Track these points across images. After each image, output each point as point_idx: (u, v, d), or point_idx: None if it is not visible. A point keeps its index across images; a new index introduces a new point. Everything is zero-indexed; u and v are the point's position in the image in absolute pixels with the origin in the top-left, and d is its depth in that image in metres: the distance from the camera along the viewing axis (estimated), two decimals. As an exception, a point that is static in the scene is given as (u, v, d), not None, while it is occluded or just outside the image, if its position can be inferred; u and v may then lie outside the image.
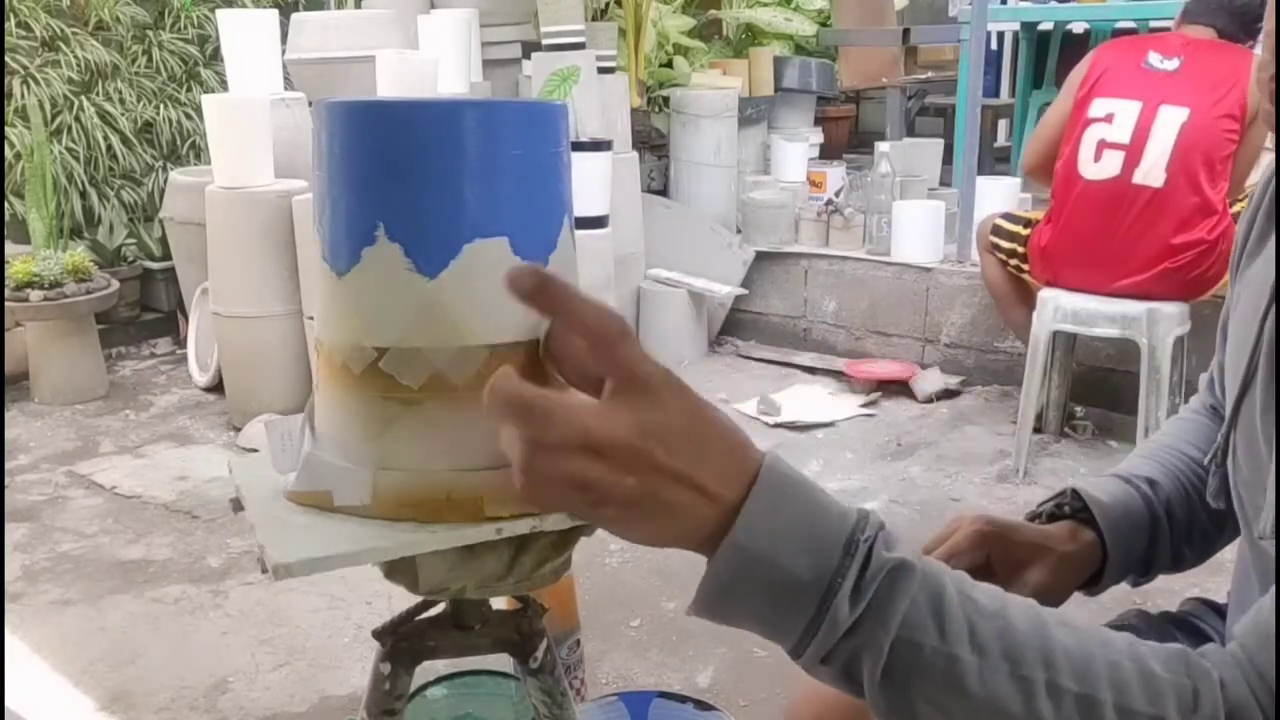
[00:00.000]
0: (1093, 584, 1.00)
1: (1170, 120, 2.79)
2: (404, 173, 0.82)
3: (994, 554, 0.97)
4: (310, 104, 3.86)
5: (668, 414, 0.58)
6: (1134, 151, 2.82)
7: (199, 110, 3.99)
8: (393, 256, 0.82)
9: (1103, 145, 2.86)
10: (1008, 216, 3.27)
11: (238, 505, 0.91)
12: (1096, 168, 2.87)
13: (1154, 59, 2.86)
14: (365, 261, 0.82)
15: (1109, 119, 2.86)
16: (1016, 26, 5.69)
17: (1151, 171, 2.81)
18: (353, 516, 0.86)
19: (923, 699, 0.60)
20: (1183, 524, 0.99)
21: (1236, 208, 2.89)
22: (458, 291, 0.82)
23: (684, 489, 0.58)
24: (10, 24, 4.22)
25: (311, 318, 3.31)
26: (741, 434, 0.62)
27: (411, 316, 0.82)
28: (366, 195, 0.82)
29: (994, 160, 4.98)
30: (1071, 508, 1.01)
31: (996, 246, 3.21)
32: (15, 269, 3.65)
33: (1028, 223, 3.15)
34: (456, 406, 0.83)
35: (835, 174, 4.68)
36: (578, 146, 3.72)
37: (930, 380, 3.78)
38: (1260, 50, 0.84)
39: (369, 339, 0.83)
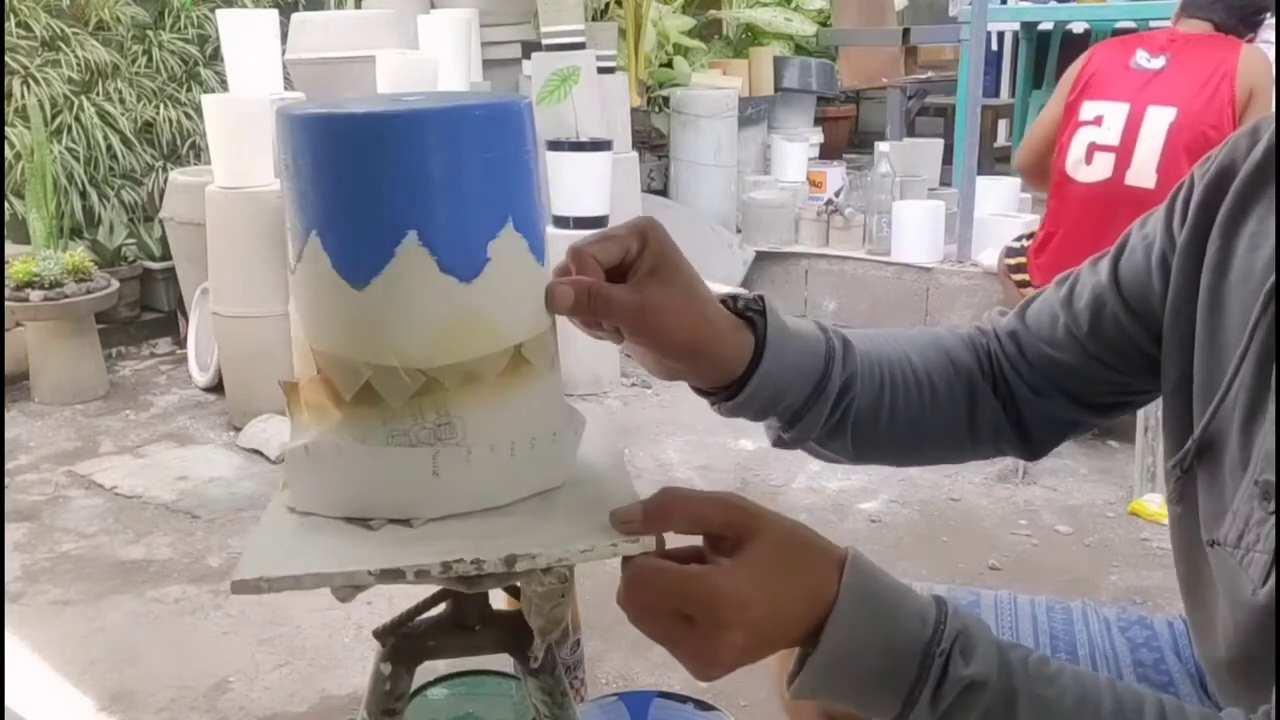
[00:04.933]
0: (723, 395, 0.88)
1: (1158, 121, 2.79)
2: (430, 177, 0.80)
3: (644, 261, 0.83)
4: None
5: (763, 552, 0.70)
6: (1124, 153, 2.82)
7: (199, 110, 3.99)
8: (520, 248, 0.81)
9: (1093, 148, 2.86)
10: (1014, 240, 3.30)
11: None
12: (1088, 170, 2.87)
13: (1141, 58, 2.86)
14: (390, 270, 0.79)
15: (1098, 121, 2.86)
16: (1016, 26, 5.70)
17: (1142, 173, 2.81)
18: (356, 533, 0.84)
19: None
20: (860, 405, 0.90)
21: None
22: (485, 295, 0.81)
23: (763, 641, 0.70)
24: (10, 24, 4.22)
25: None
26: (812, 568, 0.71)
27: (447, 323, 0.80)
28: (394, 202, 0.80)
29: (994, 160, 4.98)
30: (749, 308, 0.86)
31: (1010, 270, 3.23)
32: (15, 269, 3.64)
33: (1030, 235, 3.18)
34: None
35: (835, 174, 4.68)
36: (578, 146, 3.72)
37: (930, 380, 3.78)
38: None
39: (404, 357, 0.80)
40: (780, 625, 0.70)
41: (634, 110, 4.48)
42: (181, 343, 4.20)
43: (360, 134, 0.80)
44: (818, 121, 5.48)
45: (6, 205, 4.17)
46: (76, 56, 4.32)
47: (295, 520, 0.88)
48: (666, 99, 4.81)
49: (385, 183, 0.79)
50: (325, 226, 0.82)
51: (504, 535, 0.82)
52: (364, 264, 0.80)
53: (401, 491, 0.85)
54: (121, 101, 4.49)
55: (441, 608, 1.03)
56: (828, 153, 5.29)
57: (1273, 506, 0.71)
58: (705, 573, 0.70)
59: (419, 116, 0.80)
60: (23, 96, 4.15)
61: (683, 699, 1.68)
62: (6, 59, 4.17)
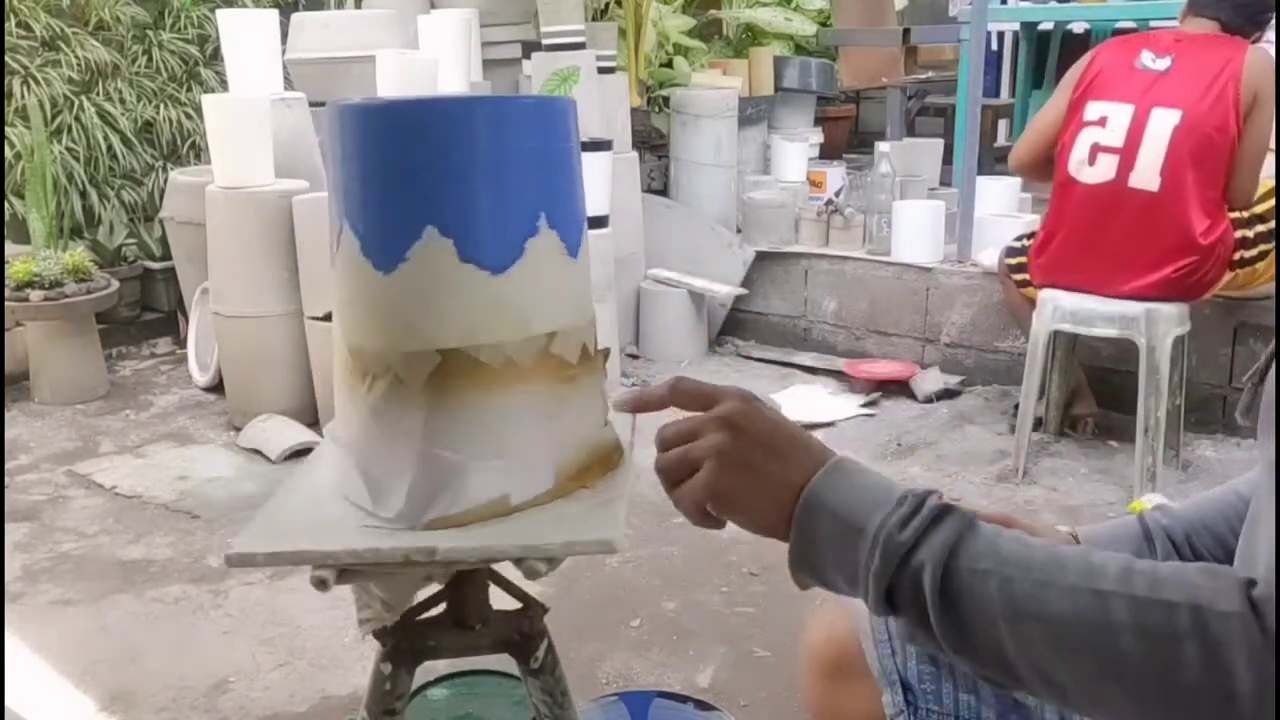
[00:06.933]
0: None
1: (1162, 123, 2.77)
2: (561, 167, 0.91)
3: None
4: (319, 104, 3.85)
5: (750, 403, 0.80)
6: (1128, 155, 2.80)
7: (199, 110, 3.99)
8: (554, 244, 0.87)
9: (1097, 149, 2.84)
10: (1014, 240, 3.28)
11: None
12: (1091, 171, 2.86)
13: (1146, 58, 2.83)
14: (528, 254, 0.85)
15: (1102, 122, 2.84)
16: (1016, 26, 5.69)
17: (1146, 175, 2.78)
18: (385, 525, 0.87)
19: (981, 619, 0.68)
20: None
21: (1234, 215, 2.87)
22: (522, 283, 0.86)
23: (767, 453, 0.77)
24: (10, 24, 4.21)
25: (317, 317, 3.31)
26: (815, 438, 0.81)
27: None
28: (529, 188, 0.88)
29: (994, 160, 4.97)
30: None
31: (1010, 270, 3.22)
32: (15, 269, 3.64)
33: (1031, 235, 3.17)
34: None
35: (835, 174, 4.68)
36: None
37: (930, 380, 3.78)
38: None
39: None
40: (787, 438, 0.78)
41: (634, 110, 4.47)
42: (181, 343, 4.20)
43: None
44: (818, 121, 5.47)
45: (6, 205, 4.17)
46: (76, 56, 4.32)
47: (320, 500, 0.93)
48: (666, 99, 4.81)
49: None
50: (554, 211, 0.88)
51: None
52: (577, 239, 0.90)
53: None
54: (121, 101, 4.49)
55: (441, 608, 1.03)
56: (828, 153, 5.28)
57: None
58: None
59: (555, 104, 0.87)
60: (23, 96, 4.15)
61: (683, 699, 1.68)
62: (6, 59, 4.17)
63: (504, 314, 0.84)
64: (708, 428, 0.78)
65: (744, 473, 0.76)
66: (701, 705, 1.67)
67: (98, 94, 4.45)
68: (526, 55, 4.36)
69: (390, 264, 0.82)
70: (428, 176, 0.81)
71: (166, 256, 4.26)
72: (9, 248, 4.00)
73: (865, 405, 3.70)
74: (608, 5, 5.22)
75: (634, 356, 4.21)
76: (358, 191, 0.83)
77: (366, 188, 0.82)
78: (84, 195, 4.41)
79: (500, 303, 0.83)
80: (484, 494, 0.85)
